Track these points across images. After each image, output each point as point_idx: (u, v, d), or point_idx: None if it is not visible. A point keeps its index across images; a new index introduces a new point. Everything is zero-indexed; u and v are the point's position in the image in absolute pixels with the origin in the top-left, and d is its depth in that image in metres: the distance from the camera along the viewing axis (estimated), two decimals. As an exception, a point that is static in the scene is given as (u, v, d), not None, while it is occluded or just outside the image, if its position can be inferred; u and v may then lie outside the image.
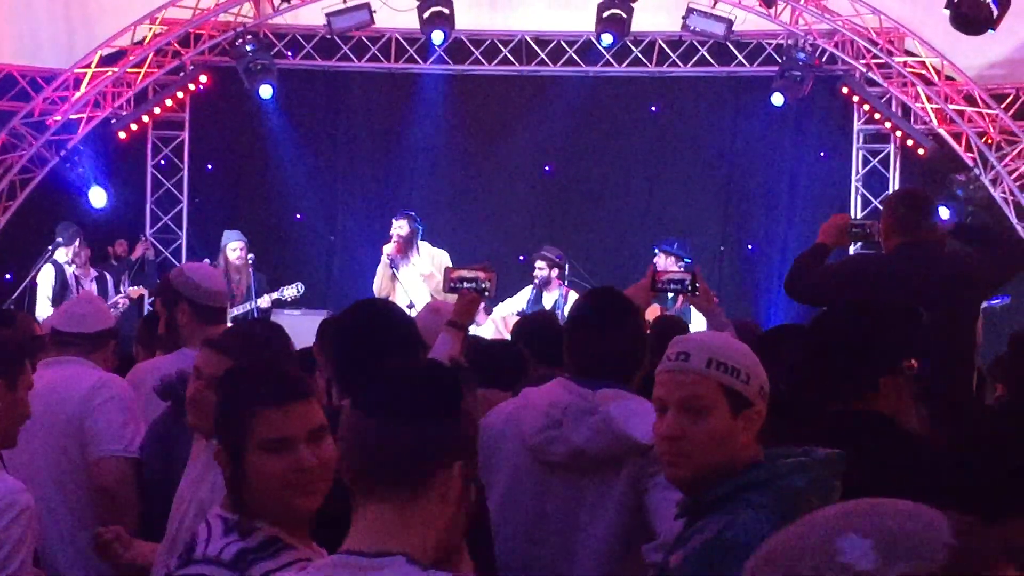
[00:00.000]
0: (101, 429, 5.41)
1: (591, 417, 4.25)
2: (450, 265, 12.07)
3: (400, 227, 12.53)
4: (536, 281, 12.87)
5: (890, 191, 15.08)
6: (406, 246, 12.45)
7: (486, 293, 5.80)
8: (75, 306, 5.99)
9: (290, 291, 13.04)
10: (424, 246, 12.54)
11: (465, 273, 5.81)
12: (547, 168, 16.67)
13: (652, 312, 9.92)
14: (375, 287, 12.53)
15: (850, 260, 6.97)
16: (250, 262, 13.23)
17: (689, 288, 5.87)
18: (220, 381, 3.24)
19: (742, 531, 2.94)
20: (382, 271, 12.48)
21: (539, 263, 12.91)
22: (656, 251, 13.14)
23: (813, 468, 3.07)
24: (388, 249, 12.43)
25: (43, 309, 13.07)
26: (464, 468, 2.42)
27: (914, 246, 6.30)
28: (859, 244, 7.30)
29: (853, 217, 6.65)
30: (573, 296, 12.79)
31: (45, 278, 13.47)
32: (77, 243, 13.69)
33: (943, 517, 1.39)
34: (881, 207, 15.22)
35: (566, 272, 13.14)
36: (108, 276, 14.10)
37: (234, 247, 13.02)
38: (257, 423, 3.03)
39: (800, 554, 1.38)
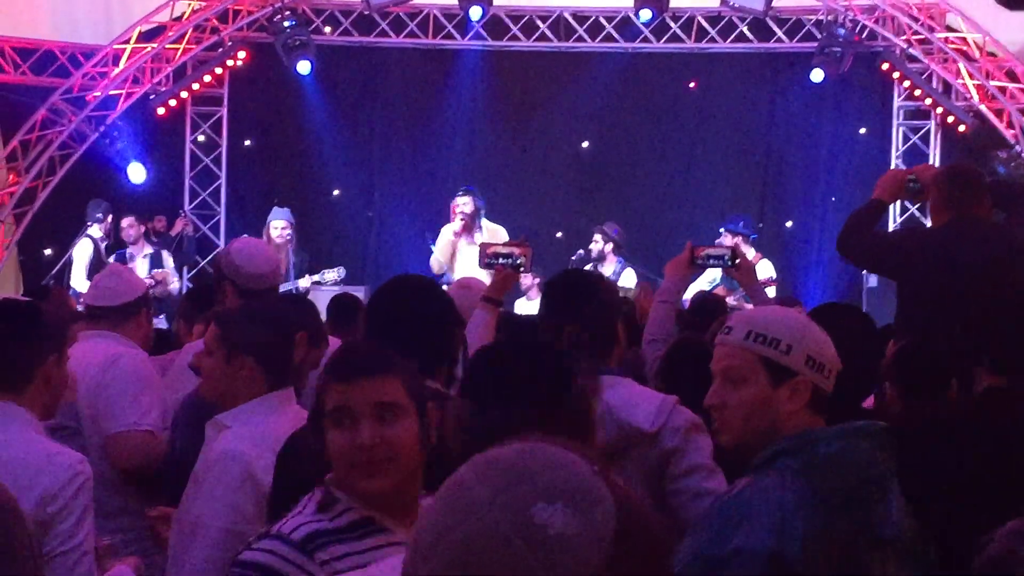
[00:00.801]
0: (111, 405, 5.39)
1: None
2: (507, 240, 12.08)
3: (465, 204, 12.24)
4: (592, 255, 12.92)
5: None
6: (471, 223, 12.25)
7: (521, 268, 5.77)
8: (102, 279, 6.00)
9: (331, 274, 13.00)
10: (485, 224, 12.36)
11: (500, 249, 5.79)
12: (584, 144, 16.64)
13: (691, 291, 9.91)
14: (433, 264, 12.35)
15: (904, 234, 6.91)
16: (290, 241, 13.21)
17: (728, 262, 5.83)
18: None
19: (756, 491, 3.02)
20: (443, 248, 12.27)
21: (596, 236, 12.94)
22: (722, 231, 13.07)
23: (848, 436, 3.11)
24: (454, 227, 12.19)
25: (79, 282, 13.19)
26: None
27: (965, 222, 6.21)
28: (915, 200, 7.21)
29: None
30: (629, 272, 12.75)
31: (82, 252, 13.58)
32: (110, 219, 13.79)
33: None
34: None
35: (622, 248, 13.15)
36: (164, 252, 14.19)
37: (276, 225, 12.97)
38: (327, 395, 3.00)
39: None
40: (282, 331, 4.31)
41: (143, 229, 14.09)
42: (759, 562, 2.90)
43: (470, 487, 1.46)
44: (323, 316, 6.17)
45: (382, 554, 2.78)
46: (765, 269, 12.56)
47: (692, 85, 16.52)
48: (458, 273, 11.91)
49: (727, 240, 12.70)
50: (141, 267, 13.61)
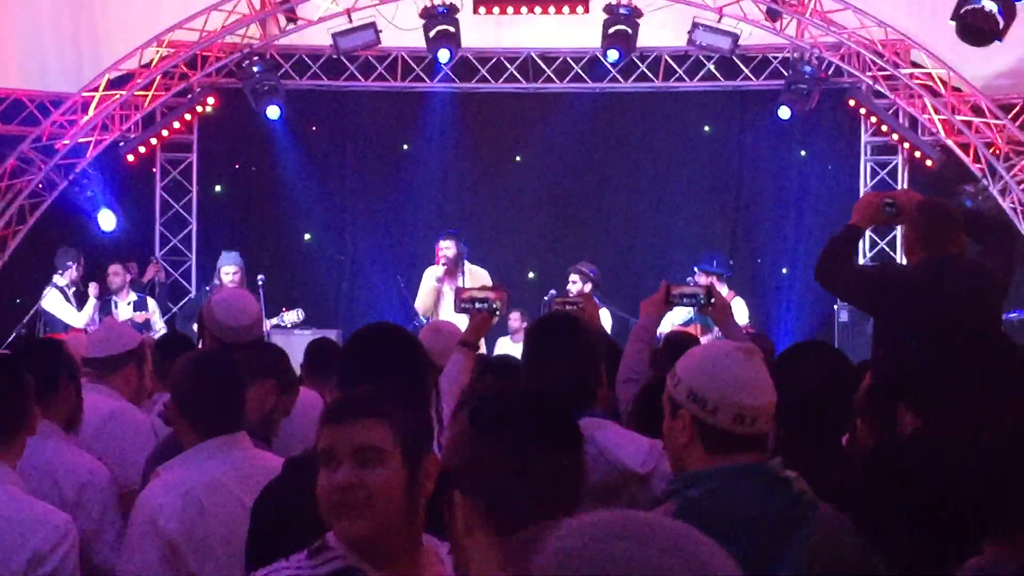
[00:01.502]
0: (116, 464, 5.37)
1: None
2: (490, 284, 12.11)
3: (447, 248, 12.29)
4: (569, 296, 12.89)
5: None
6: (454, 268, 12.27)
7: (497, 312, 5.79)
8: (96, 332, 6.10)
9: (290, 316, 13.04)
10: (467, 267, 12.38)
11: (476, 293, 5.81)
12: (556, 185, 16.67)
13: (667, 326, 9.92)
14: (418, 306, 12.37)
15: (883, 269, 6.84)
16: (260, 283, 13.23)
17: (703, 301, 5.85)
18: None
19: None
20: (426, 290, 12.29)
21: (573, 276, 12.86)
22: (696, 270, 13.05)
23: (722, 477, 3.17)
24: (437, 272, 12.21)
25: (79, 318, 13.28)
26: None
27: (940, 261, 6.15)
28: (891, 223, 7.12)
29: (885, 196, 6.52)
30: (604, 313, 12.72)
31: (54, 301, 13.57)
32: (75, 267, 13.80)
33: None
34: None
35: (599, 288, 13.14)
36: (149, 299, 14.22)
37: (227, 271, 12.98)
38: (319, 437, 3.01)
39: None
40: (209, 380, 4.29)
41: (128, 277, 14.10)
42: None
43: (611, 547, 1.46)
44: (295, 360, 6.16)
45: None
46: (739, 308, 12.56)
47: (660, 125, 16.58)
48: (442, 314, 11.96)
49: (702, 279, 12.71)
50: (125, 313, 13.61)
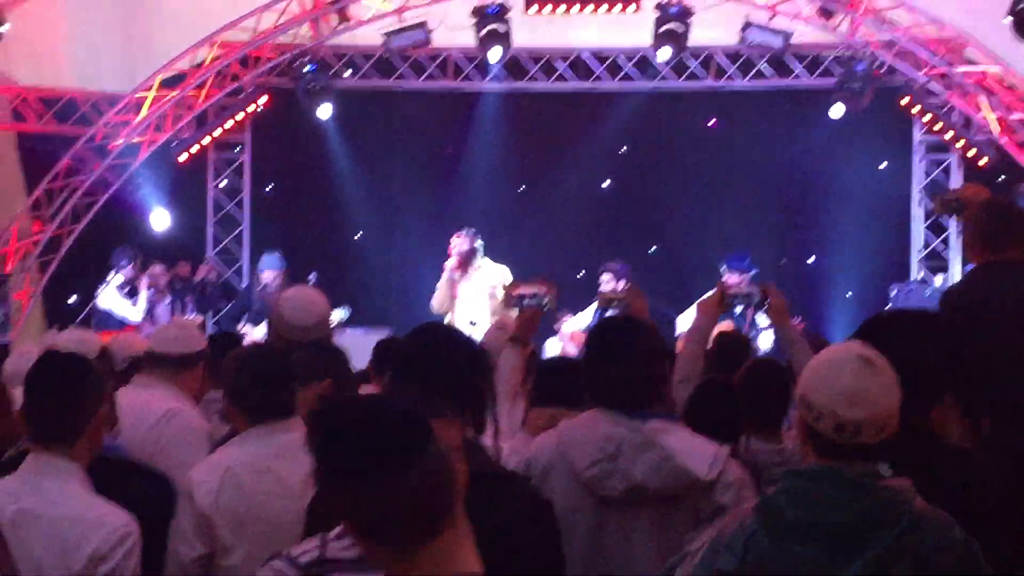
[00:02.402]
0: (168, 468, 5.40)
1: (648, 452, 4.20)
2: (510, 280, 12.10)
3: (460, 243, 12.43)
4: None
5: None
6: (466, 262, 12.34)
7: (546, 308, 5.76)
8: (167, 329, 6.08)
9: (336, 314, 13.01)
10: (485, 262, 12.46)
11: (526, 289, 5.77)
12: (605, 184, 16.65)
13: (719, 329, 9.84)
14: (434, 303, 12.45)
15: (945, 294, 6.40)
16: (311, 282, 13.24)
17: (758, 302, 5.81)
18: None
19: (733, 519, 3.36)
20: (442, 287, 12.40)
21: (605, 276, 12.80)
22: (723, 269, 12.90)
23: (794, 477, 3.26)
24: (450, 265, 12.34)
25: (135, 313, 13.39)
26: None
27: (996, 267, 5.78)
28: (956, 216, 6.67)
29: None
30: None
31: (110, 297, 13.66)
32: (131, 266, 13.87)
33: None
34: (943, 217, 15.21)
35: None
36: (187, 302, 14.30)
37: (267, 276, 13.09)
38: None
39: None
40: (255, 371, 4.46)
41: (168, 278, 14.19)
42: None
43: None
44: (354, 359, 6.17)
45: None
46: None
47: (712, 124, 16.54)
48: (457, 311, 12.03)
49: (732, 278, 12.61)
50: (164, 314, 13.70)
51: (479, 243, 12.45)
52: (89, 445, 4.03)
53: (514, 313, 5.92)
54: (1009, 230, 5.83)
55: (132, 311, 13.65)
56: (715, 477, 4.17)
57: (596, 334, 4.62)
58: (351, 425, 2.40)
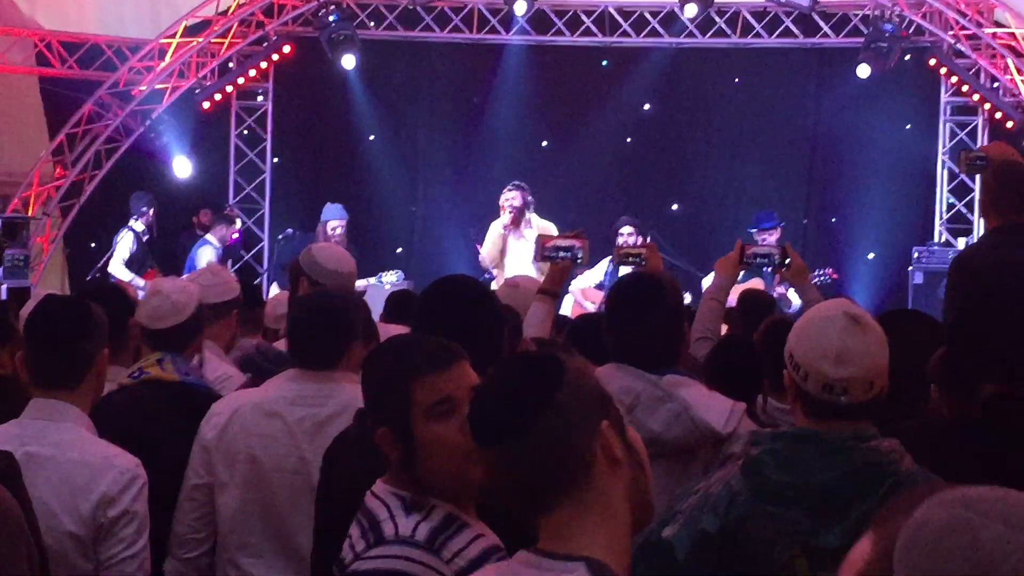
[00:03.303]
0: None
1: (666, 404, 4.20)
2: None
3: (512, 198, 12.20)
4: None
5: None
6: (519, 218, 12.21)
7: (579, 261, 5.74)
8: (201, 277, 6.08)
9: (389, 277, 12.91)
10: (534, 219, 12.32)
11: (560, 242, 5.74)
12: (628, 140, 16.59)
13: (749, 286, 9.81)
14: (483, 255, 12.33)
15: (955, 261, 6.35)
16: (343, 239, 13.17)
17: (778, 262, 5.77)
18: (367, 362, 3.17)
19: (718, 478, 3.36)
20: (492, 241, 12.24)
21: (627, 228, 12.68)
22: (754, 231, 12.75)
23: (781, 440, 3.26)
24: (503, 221, 12.19)
25: (117, 270, 13.37)
26: (611, 420, 2.27)
27: (1013, 229, 5.78)
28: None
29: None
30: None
31: (123, 244, 13.66)
32: (152, 212, 13.87)
33: None
34: (967, 179, 15.11)
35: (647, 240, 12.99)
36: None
37: (334, 225, 12.93)
38: (417, 392, 2.91)
39: None
40: (304, 317, 4.44)
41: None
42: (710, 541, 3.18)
43: (976, 527, 1.30)
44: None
45: (478, 546, 2.77)
46: None
47: (736, 81, 16.45)
48: (508, 268, 11.89)
49: (771, 237, 12.50)
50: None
51: (530, 199, 12.32)
52: (91, 389, 4.04)
53: (545, 266, 5.90)
54: (1019, 192, 5.79)
55: (117, 266, 13.59)
56: (731, 431, 4.17)
57: (618, 290, 4.61)
58: (496, 382, 2.33)
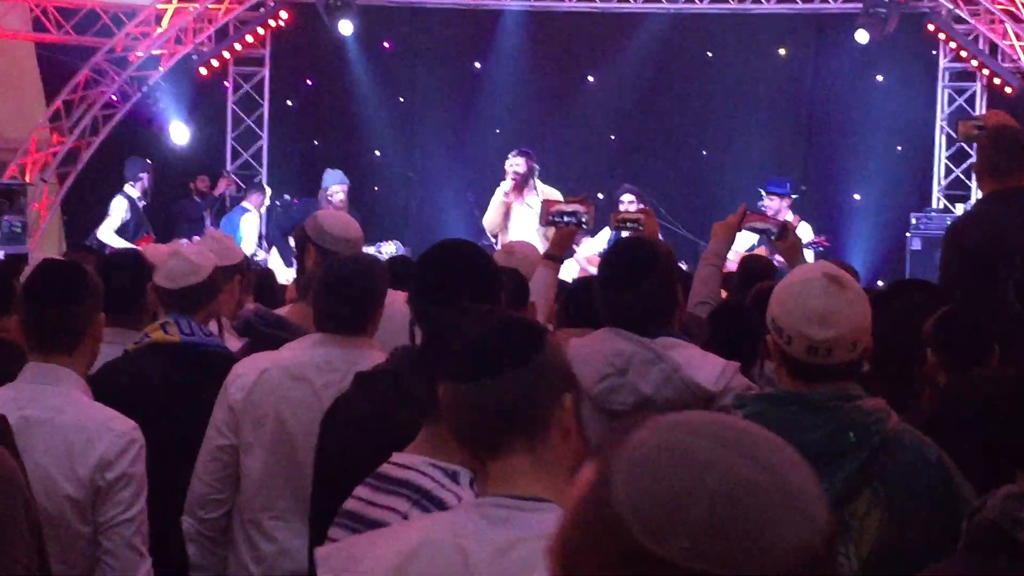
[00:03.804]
0: None
1: (657, 366, 4.20)
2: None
3: (517, 164, 12.08)
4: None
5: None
6: (522, 184, 12.14)
7: (584, 225, 5.74)
8: (202, 243, 6.04)
9: (388, 247, 12.91)
10: (538, 185, 12.24)
11: (564, 207, 5.74)
12: (628, 106, 16.55)
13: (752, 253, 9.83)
14: (486, 223, 12.26)
15: (948, 232, 6.35)
16: (344, 204, 13.17)
17: (774, 235, 5.77)
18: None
19: None
20: (495, 208, 12.17)
21: (628, 196, 12.65)
22: (764, 193, 12.75)
23: (764, 402, 3.31)
24: (505, 187, 12.10)
25: (107, 236, 13.33)
26: (573, 397, 2.38)
27: (1007, 194, 5.76)
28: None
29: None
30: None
31: (116, 210, 13.60)
32: (146, 177, 13.82)
33: None
34: (966, 146, 15.09)
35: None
36: (206, 215, 14.37)
37: (335, 191, 12.92)
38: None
39: None
40: (343, 285, 4.38)
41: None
42: None
43: (697, 446, 1.34)
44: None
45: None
46: (803, 232, 12.43)
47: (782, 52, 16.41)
48: (511, 234, 11.84)
49: (772, 202, 12.52)
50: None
51: (536, 166, 12.25)
52: (87, 352, 4.05)
53: (551, 231, 5.89)
54: (1015, 158, 5.80)
55: (105, 230, 13.56)
56: (722, 388, 4.18)
57: (610, 255, 4.62)
58: (481, 325, 2.46)
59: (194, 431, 4.42)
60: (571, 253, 12.96)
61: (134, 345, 4.77)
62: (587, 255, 12.21)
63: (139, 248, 10.06)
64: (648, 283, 4.34)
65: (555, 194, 11.80)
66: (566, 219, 5.64)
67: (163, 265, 4.97)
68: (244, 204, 14.16)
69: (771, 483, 1.33)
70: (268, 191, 15.03)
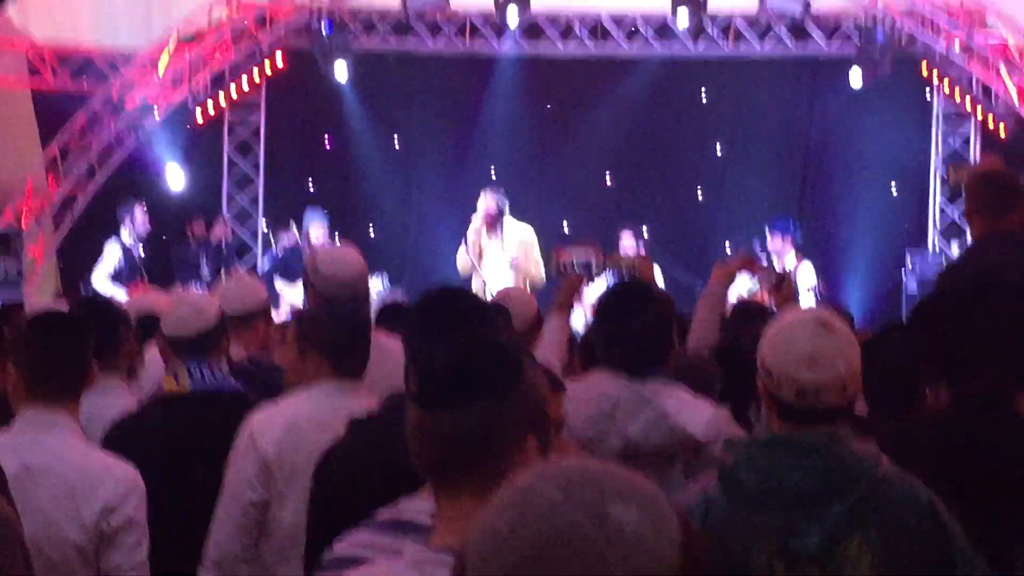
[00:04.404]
0: None
1: (645, 410, 4.20)
2: (535, 241, 12.02)
3: (487, 201, 12.28)
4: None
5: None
6: (493, 221, 12.22)
7: (596, 274, 5.76)
8: (227, 287, 6.08)
9: (374, 284, 12.95)
10: (509, 222, 12.33)
11: (576, 256, 5.74)
12: (623, 150, 16.58)
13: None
14: (459, 262, 12.37)
15: (947, 269, 6.34)
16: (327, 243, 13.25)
17: (773, 284, 5.81)
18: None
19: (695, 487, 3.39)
20: (465, 248, 12.27)
21: (627, 237, 12.79)
22: (767, 230, 12.78)
23: (750, 447, 3.27)
24: (475, 224, 12.22)
25: (98, 283, 13.32)
26: (538, 440, 2.33)
27: (998, 237, 5.71)
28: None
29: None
30: (656, 272, 12.33)
31: (109, 253, 13.61)
32: (139, 218, 13.78)
33: None
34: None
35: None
36: (202, 261, 14.36)
37: (312, 229, 12.99)
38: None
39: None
40: (353, 330, 4.43)
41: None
42: None
43: (538, 490, 1.45)
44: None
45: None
46: (806, 272, 12.44)
47: (728, 92, 16.44)
48: (485, 270, 11.95)
49: (775, 241, 12.59)
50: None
51: (504, 202, 12.33)
52: (79, 398, 4.07)
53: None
54: (1004, 199, 5.79)
55: (98, 275, 13.56)
56: (712, 437, 4.17)
57: (605, 297, 4.63)
58: (454, 352, 2.41)
59: (209, 481, 4.40)
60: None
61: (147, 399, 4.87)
62: (591, 300, 12.24)
63: (113, 295, 10.05)
64: (640, 323, 4.35)
65: (527, 229, 11.99)
66: (579, 270, 5.65)
67: (170, 314, 4.97)
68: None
69: (597, 529, 1.41)
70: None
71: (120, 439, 4.48)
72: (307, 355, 4.45)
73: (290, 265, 13.67)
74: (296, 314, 4.74)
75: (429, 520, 2.80)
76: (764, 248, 12.66)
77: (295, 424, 4.29)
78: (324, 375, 4.38)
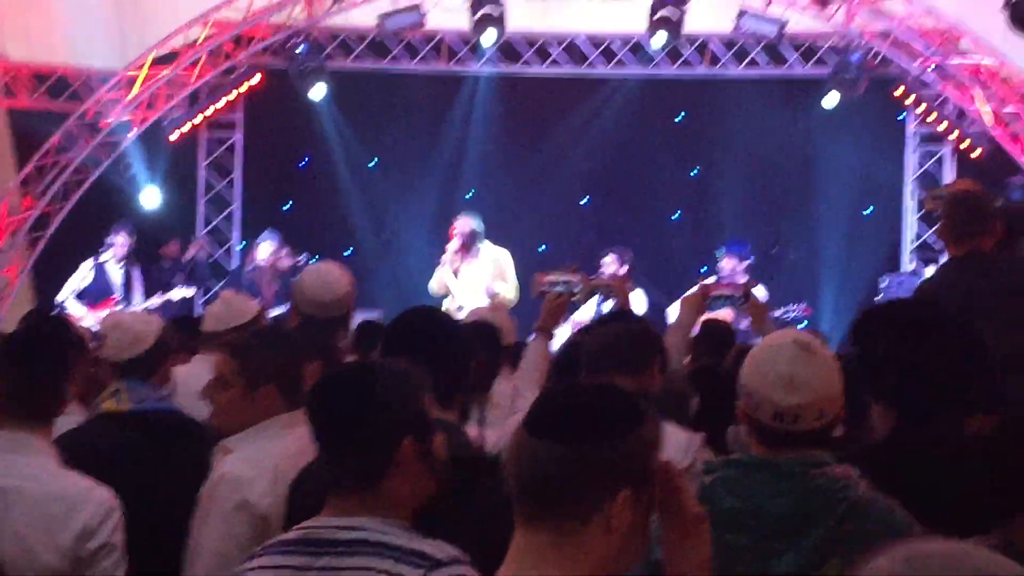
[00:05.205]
0: None
1: None
2: (510, 264, 12.05)
3: (462, 226, 12.33)
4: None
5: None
6: (468, 245, 12.25)
7: (577, 296, 5.77)
8: (214, 306, 6.04)
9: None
10: (485, 245, 12.37)
11: (556, 277, 5.76)
12: (598, 170, 16.60)
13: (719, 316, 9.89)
14: (433, 285, 12.38)
15: (916, 293, 6.42)
16: (300, 263, 13.22)
17: (740, 303, 5.85)
18: None
19: None
20: (443, 270, 12.30)
21: (609, 258, 12.83)
22: (719, 254, 12.88)
23: (730, 467, 3.30)
24: (451, 248, 12.26)
25: (63, 295, 13.42)
26: (635, 497, 2.28)
27: (969, 257, 5.85)
28: None
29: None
30: (639, 295, 12.37)
31: (79, 271, 13.62)
32: (121, 239, 13.78)
33: None
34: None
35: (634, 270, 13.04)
36: (176, 281, 14.29)
37: (262, 252, 13.04)
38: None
39: None
40: (295, 354, 4.27)
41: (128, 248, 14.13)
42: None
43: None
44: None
45: None
46: (759, 293, 12.45)
47: (702, 113, 16.48)
48: (458, 293, 11.97)
49: (728, 263, 12.65)
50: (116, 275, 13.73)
51: (480, 226, 12.36)
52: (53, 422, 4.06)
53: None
54: (977, 221, 5.85)
55: (89, 318, 13.54)
56: (688, 465, 4.16)
57: (591, 335, 4.66)
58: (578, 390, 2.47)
59: (149, 498, 4.28)
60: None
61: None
62: (577, 321, 12.25)
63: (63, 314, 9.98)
64: (615, 327, 4.37)
65: (503, 253, 12.02)
66: (557, 288, 5.66)
67: (106, 338, 4.97)
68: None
69: None
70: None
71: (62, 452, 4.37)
72: (258, 391, 4.19)
73: (233, 285, 13.69)
74: (233, 350, 4.25)
75: (340, 535, 2.85)
76: (714, 271, 12.82)
77: (280, 469, 3.96)
78: (277, 408, 4.16)
